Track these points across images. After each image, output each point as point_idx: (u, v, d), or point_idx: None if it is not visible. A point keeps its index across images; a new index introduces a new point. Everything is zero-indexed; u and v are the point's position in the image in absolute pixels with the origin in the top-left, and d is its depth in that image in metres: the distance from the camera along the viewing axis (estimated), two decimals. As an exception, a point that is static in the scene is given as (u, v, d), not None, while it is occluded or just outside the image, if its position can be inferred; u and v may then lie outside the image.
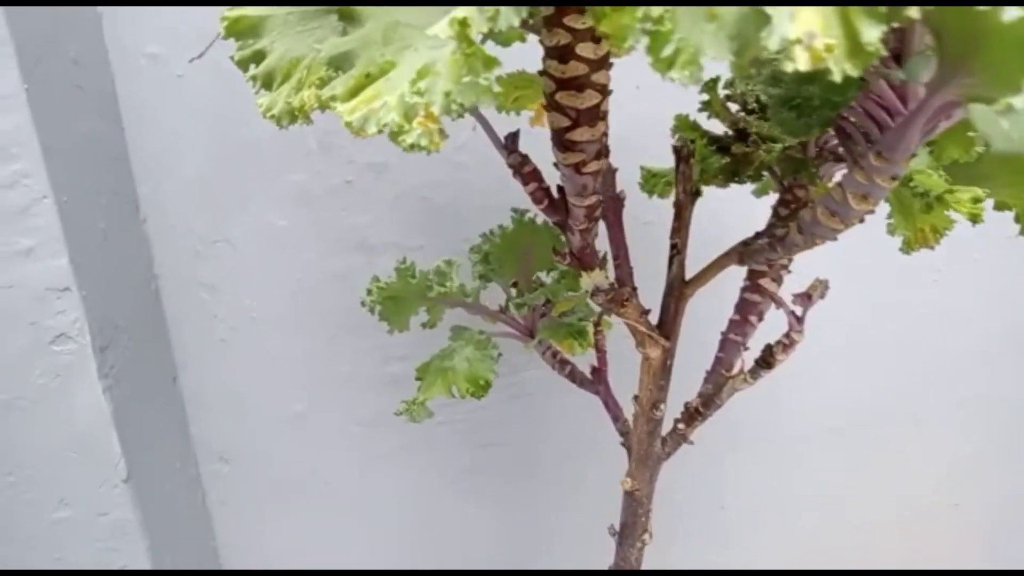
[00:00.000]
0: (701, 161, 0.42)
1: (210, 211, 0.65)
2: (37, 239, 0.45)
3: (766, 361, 0.41)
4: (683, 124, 0.44)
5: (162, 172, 0.63)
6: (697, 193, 0.38)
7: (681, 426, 0.45)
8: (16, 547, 0.52)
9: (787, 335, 0.40)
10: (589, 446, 0.81)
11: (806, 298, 0.39)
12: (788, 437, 0.87)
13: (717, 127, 0.44)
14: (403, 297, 0.53)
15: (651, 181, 0.48)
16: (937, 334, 0.86)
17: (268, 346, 0.71)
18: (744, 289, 0.45)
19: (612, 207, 0.39)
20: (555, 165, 0.31)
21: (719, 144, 0.42)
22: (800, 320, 0.40)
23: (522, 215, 0.50)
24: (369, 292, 0.51)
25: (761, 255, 0.36)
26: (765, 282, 0.44)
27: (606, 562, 0.68)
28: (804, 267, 0.76)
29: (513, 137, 0.34)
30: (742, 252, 0.38)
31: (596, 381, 0.52)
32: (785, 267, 0.44)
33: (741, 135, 0.41)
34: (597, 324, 0.51)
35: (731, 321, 0.45)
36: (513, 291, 0.53)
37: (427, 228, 0.69)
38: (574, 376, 0.54)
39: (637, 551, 0.50)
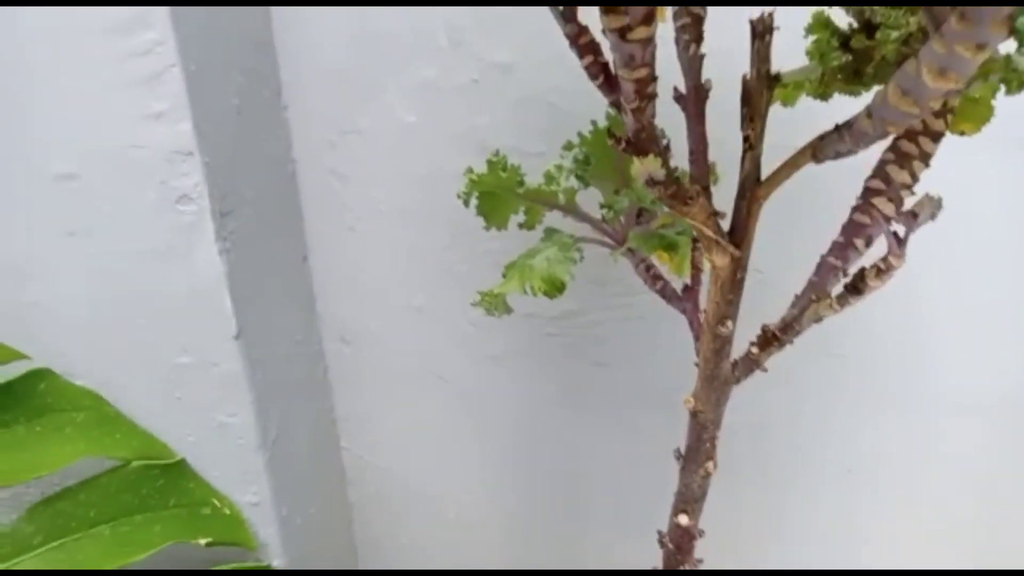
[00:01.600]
0: (820, 57, 0.37)
1: (345, 101, 0.68)
2: (167, 104, 0.49)
3: (856, 287, 0.37)
4: (818, 24, 0.39)
5: (304, 61, 0.66)
6: (777, 78, 0.33)
7: (755, 350, 0.42)
8: (143, 384, 0.59)
9: (884, 259, 0.35)
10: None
11: (911, 217, 0.34)
12: (937, 408, 0.78)
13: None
14: (498, 193, 0.53)
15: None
16: None
17: (392, 238, 0.73)
18: (854, 209, 0.40)
19: (694, 97, 0.35)
20: (602, 32, 0.29)
21: (843, 39, 0.37)
22: (901, 243, 0.35)
23: (618, 112, 0.47)
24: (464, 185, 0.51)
25: (831, 148, 0.32)
26: (879, 201, 0.39)
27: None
28: (974, 217, 0.67)
29: (571, 5, 0.32)
30: (816, 147, 0.33)
31: (685, 299, 0.49)
32: (908, 187, 0.39)
33: (868, 28, 0.36)
34: (696, 240, 0.48)
35: (833, 243, 0.41)
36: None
37: (549, 134, 0.68)
38: (665, 292, 0.51)
39: (700, 479, 0.47)
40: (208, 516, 0.62)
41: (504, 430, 0.83)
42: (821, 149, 0.32)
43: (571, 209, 0.51)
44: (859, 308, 0.75)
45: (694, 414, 0.44)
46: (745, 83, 0.33)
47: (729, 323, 0.39)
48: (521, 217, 0.56)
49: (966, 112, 0.46)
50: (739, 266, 0.37)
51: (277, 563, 0.67)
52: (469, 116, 0.68)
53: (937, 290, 0.74)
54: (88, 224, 0.53)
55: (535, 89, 0.66)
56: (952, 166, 0.66)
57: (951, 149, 0.66)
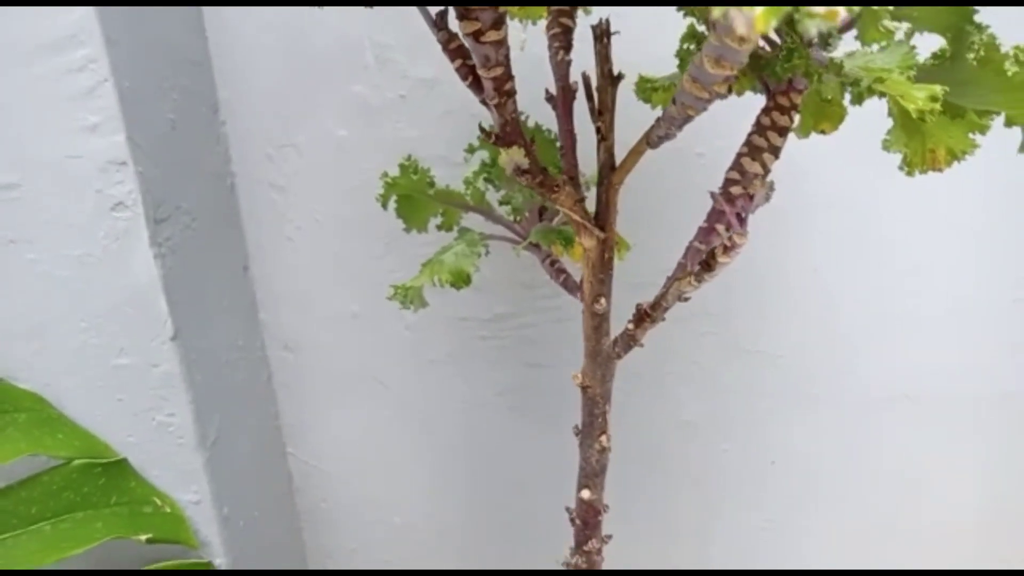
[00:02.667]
0: (680, 63, 0.42)
1: (281, 117, 0.72)
2: (101, 117, 0.53)
3: (708, 264, 0.41)
4: (688, 35, 0.44)
5: (240, 80, 0.70)
6: (619, 77, 0.38)
7: (631, 327, 0.46)
8: (84, 386, 0.62)
9: (729, 237, 0.40)
10: (629, 373, 0.81)
11: (748, 199, 0.39)
12: (857, 401, 0.83)
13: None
14: (414, 196, 0.57)
15: (646, 89, 0.48)
16: (1037, 302, 0.78)
17: (329, 247, 0.77)
18: (715, 198, 0.45)
19: (563, 97, 0.40)
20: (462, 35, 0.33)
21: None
22: (742, 221, 0.39)
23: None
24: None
25: (655, 133, 0.36)
26: (736, 190, 0.43)
27: (632, 485, 0.68)
28: (886, 221, 0.72)
29: (442, 14, 0.36)
30: (647, 134, 0.38)
31: (581, 289, 0.53)
32: (759, 176, 0.43)
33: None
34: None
35: (699, 229, 0.45)
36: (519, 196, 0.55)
37: (474, 145, 0.72)
38: (567, 285, 0.55)
39: (597, 453, 0.51)
40: (149, 514, 0.64)
41: (445, 433, 0.86)
42: (650, 136, 0.37)
43: (481, 209, 0.55)
44: (781, 307, 0.80)
45: (584, 389, 0.48)
46: (587, 81, 0.37)
47: (603, 300, 0.43)
48: (442, 222, 0.60)
49: (823, 112, 0.51)
50: (606, 247, 0.41)
51: (219, 562, 0.69)
52: (398, 129, 0.72)
53: (854, 289, 0.79)
54: (28, 232, 0.56)
55: (459, 102, 0.71)
56: (867, 172, 0.72)
57: (860, 158, 0.72)
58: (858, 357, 0.82)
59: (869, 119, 0.43)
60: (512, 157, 0.36)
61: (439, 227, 0.60)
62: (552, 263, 0.56)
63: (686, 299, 0.46)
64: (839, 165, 0.73)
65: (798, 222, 0.76)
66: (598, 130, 0.39)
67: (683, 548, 0.90)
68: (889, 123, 0.42)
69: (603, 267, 0.41)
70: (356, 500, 0.90)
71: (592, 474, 0.52)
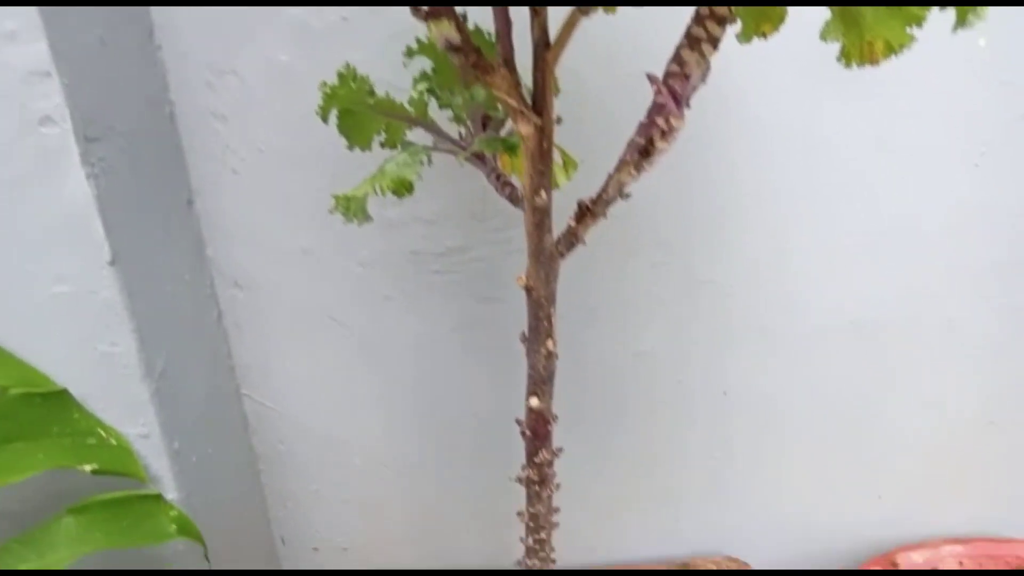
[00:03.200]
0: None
1: (219, 42, 0.70)
2: (17, 23, 0.51)
3: (646, 151, 0.41)
4: None
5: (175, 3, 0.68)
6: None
7: (572, 223, 0.45)
8: (22, 315, 0.60)
9: (665, 120, 0.39)
10: (584, 305, 0.82)
11: (684, 79, 0.38)
12: (807, 331, 0.84)
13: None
14: (355, 111, 0.56)
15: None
16: (978, 229, 0.79)
17: (275, 180, 0.76)
18: (656, 92, 0.44)
19: (495, -17, 0.39)
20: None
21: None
22: (679, 104, 0.39)
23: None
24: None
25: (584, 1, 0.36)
26: (675, 81, 0.43)
27: (586, 415, 0.68)
28: (836, 146, 0.72)
29: None
30: (578, 6, 0.37)
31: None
32: (682, 74, 0.43)
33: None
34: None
35: (640, 124, 0.45)
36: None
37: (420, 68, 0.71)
38: (513, 198, 0.55)
39: (544, 359, 0.51)
40: (94, 446, 0.63)
41: (401, 371, 0.86)
42: (581, 6, 0.36)
43: (424, 123, 0.54)
44: (728, 236, 0.80)
45: (528, 291, 0.48)
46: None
47: (543, 193, 0.43)
48: (386, 138, 0.58)
49: (764, 13, 0.51)
50: (544, 136, 0.40)
51: (171, 496, 0.68)
52: (341, 54, 0.70)
53: (806, 218, 0.79)
54: (-48, 151, 0.54)
55: (403, 25, 0.69)
56: (817, 97, 0.72)
57: (810, 85, 0.71)
58: (808, 287, 0.83)
59: (821, 45, 0.43)
60: (441, 30, 0.35)
61: (383, 144, 0.59)
62: (497, 176, 0.55)
63: (627, 195, 0.45)
64: (788, 91, 0.74)
65: (752, 147, 0.76)
66: (531, 6, 0.38)
67: (636, 475, 0.91)
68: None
69: (542, 157, 0.41)
70: (314, 441, 0.89)
71: (540, 381, 0.52)
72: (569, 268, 0.80)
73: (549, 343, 0.49)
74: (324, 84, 0.53)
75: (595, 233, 0.78)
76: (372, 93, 0.52)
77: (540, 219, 0.43)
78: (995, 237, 0.80)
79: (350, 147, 0.58)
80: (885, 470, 0.91)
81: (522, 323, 0.83)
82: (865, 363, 0.86)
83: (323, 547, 0.96)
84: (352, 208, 0.53)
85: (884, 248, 0.80)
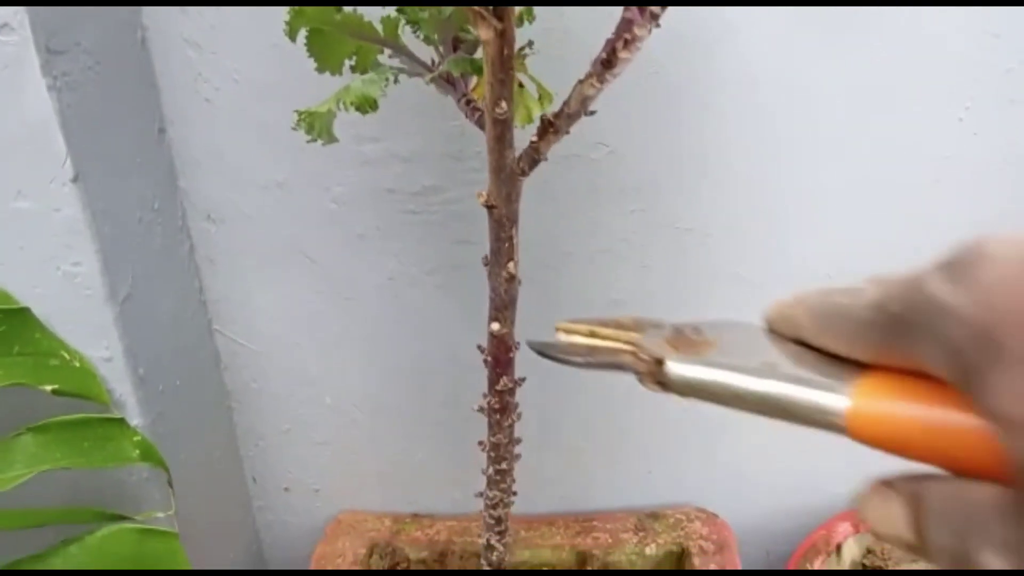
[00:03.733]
0: None
1: (191, -36, 0.68)
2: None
3: (608, 61, 0.40)
4: None
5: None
6: None
7: (535, 139, 0.45)
8: (-17, 227, 0.59)
9: (629, 29, 0.39)
10: (559, 252, 0.81)
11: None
12: (781, 281, 0.84)
13: None
14: (325, 31, 0.55)
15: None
16: (961, 183, 0.78)
17: (249, 110, 0.75)
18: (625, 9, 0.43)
19: None
20: None
21: None
22: (643, 11, 0.38)
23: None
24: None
25: None
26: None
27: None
28: (821, 97, 0.71)
29: None
30: None
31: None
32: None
33: None
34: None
35: (607, 41, 0.44)
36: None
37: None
38: (480, 123, 0.54)
39: (505, 282, 0.51)
40: (56, 367, 0.63)
41: (374, 311, 0.85)
42: None
43: (392, 43, 0.53)
44: (713, 184, 0.79)
45: (489, 210, 0.47)
46: None
47: (504, 103, 0.42)
48: (357, 62, 0.57)
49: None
50: (505, 42, 0.39)
51: (135, 422, 0.68)
52: (317, -20, 0.69)
53: (783, 169, 0.78)
54: (-91, 57, 0.53)
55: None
56: (803, 45, 0.71)
57: (800, 37, 0.70)
58: (789, 237, 0.82)
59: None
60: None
61: (353, 68, 0.58)
62: (468, 102, 0.54)
63: (591, 112, 0.45)
64: (775, 40, 0.72)
65: (734, 94, 0.75)
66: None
67: (605, 423, 0.91)
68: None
69: (503, 65, 0.40)
70: (287, 379, 0.89)
71: (502, 306, 0.51)
72: (545, 211, 0.80)
73: (511, 266, 0.49)
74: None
75: (573, 177, 0.78)
76: (339, 10, 0.51)
77: (501, 132, 0.43)
78: (978, 192, 0.79)
79: (320, 70, 0.57)
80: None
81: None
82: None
83: (294, 487, 0.97)
84: (316, 126, 0.52)
85: (866, 201, 0.80)
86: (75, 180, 0.58)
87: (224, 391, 0.89)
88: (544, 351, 0.33)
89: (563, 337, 0.32)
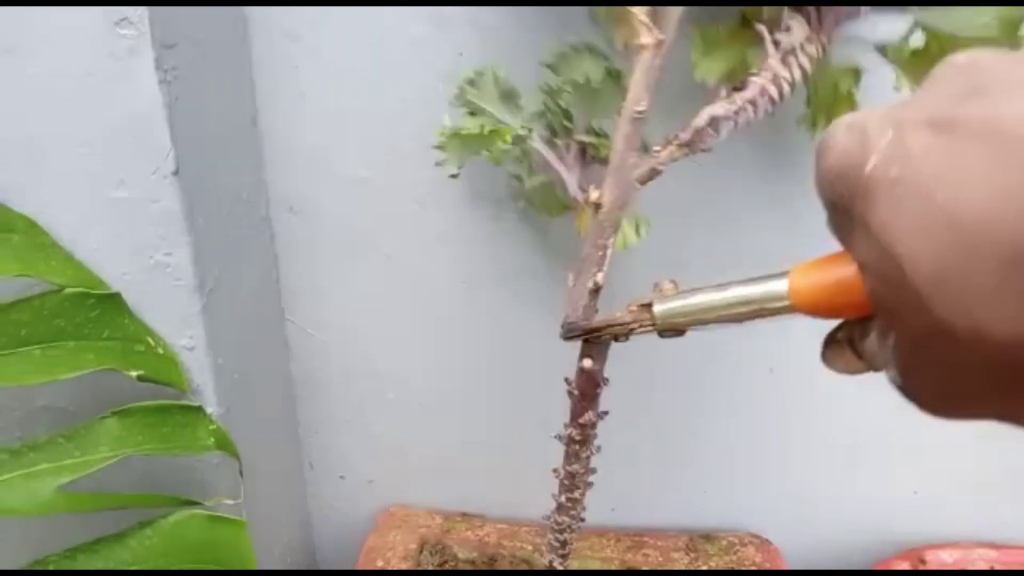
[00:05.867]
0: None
1: (299, -41, 0.68)
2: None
3: (741, 85, 0.38)
4: None
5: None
6: None
7: (658, 148, 0.43)
8: (80, 216, 0.60)
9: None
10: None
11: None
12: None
13: None
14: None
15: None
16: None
17: (340, 105, 0.74)
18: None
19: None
20: None
21: None
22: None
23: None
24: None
25: None
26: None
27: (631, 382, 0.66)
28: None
29: None
30: None
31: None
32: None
33: None
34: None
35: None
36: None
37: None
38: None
39: (589, 294, 0.49)
40: (141, 352, 0.64)
41: (447, 313, 0.85)
42: None
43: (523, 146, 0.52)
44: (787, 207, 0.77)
45: (595, 209, 0.46)
46: None
47: (643, 103, 0.41)
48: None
49: None
50: (658, 52, 0.38)
51: (211, 410, 0.69)
52: (424, -19, 0.68)
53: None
54: (27, 42, 0.54)
55: None
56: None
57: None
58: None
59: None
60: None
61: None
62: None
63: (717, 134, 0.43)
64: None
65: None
66: None
67: (667, 443, 0.90)
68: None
69: (652, 72, 0.39)
70: (351, 371, 0.90)
71: (577, 329, 0.50)
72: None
73: (599, 276, 0.47)
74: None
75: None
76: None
77: (631, 131, 0.41)
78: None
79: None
80: (925, 465, 0.89)
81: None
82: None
83: (350, 476, 0.97)
84: (450, 147, 0.51)
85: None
86: (176, 173, 0.58)
87: (290, 379, 0.90)
88: (571, 333, 0.43)
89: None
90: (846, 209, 0.25)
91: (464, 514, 0.98)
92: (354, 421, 0.93)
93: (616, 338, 0.41)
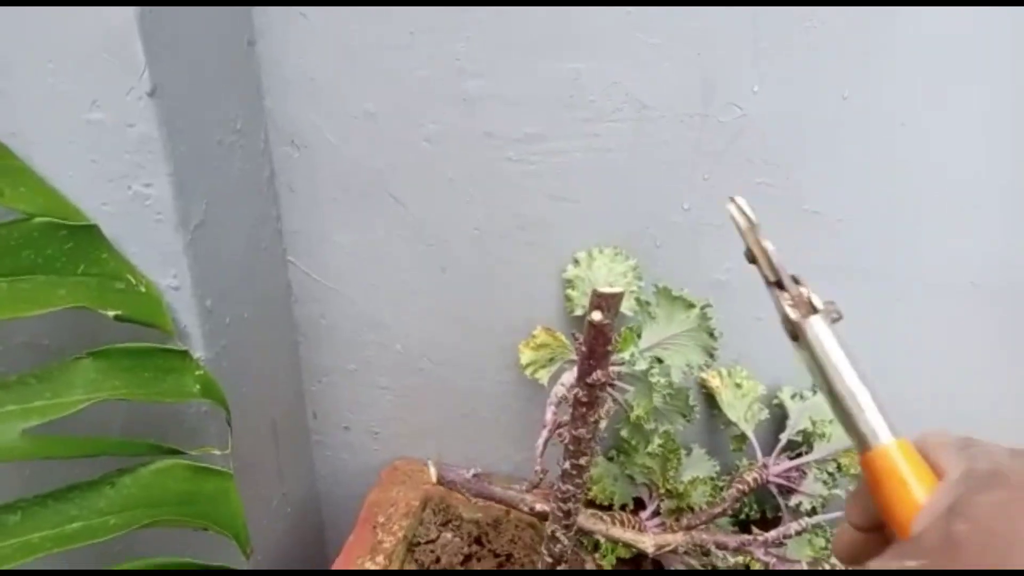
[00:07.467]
0: None
1: None
2: None
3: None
4: None
5: None
6: None
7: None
8: (54, 140, 0.55)
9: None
10: (655, 219, 0.73)
11: None
12: (911, 283, 0.74)
13: None
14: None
15: None
16: None
17: (346, 31, 0.68)
18: None
19: None
20: None
21: None
22: None
23: None
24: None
25: None
26: None
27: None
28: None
29: None
30: None
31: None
32: None
33: None
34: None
35: None
36: None
37: None
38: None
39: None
40: (121, 290, 0.59)
41: (457, 262, 0.79)
42: None
43: None
44: (844, 168, 0.69)
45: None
46: None
47: None
48: None
49: None
50: None
51: (198, 354, 0.65)
52: None
53: (930, 160, 0.68)
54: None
55: None
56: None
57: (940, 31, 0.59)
58: (927, 236, 0.72)
59: None
60: None
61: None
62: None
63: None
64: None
65: (888, 66, 0.64)
66: None
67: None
68: None
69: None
70: (357, 320, 0.85)
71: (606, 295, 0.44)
72: (663, 174, 0.71)
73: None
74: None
75: (693, 135, 0.69)
76: None
77: None
78: None
79: None
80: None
81: (594, 229, 0.75)
82: (978, 331, 0.76)
83: (354, 427, 0.94)
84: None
85: (1012, 209, 0.69)
86: (152, 94, 0.53)
87: (292, 324, 0.85)
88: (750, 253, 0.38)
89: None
90: None
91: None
92: (360, 372, 0.89)
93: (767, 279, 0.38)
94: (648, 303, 0.72)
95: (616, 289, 0.46)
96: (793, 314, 0.37)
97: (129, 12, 0.50)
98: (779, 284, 0.39)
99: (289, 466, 0.90)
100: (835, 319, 0.37)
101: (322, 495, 1.00)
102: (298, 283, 0.83)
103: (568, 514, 0.61)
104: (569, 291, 0.75)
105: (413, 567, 0.78)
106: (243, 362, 0.73)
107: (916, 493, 0.30)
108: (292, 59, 0.69)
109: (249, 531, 0.61)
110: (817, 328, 0.36)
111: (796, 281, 0.39)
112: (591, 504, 0.87)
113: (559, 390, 0.66)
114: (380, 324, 0.85)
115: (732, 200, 0.38)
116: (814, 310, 0.37)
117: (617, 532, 0.68)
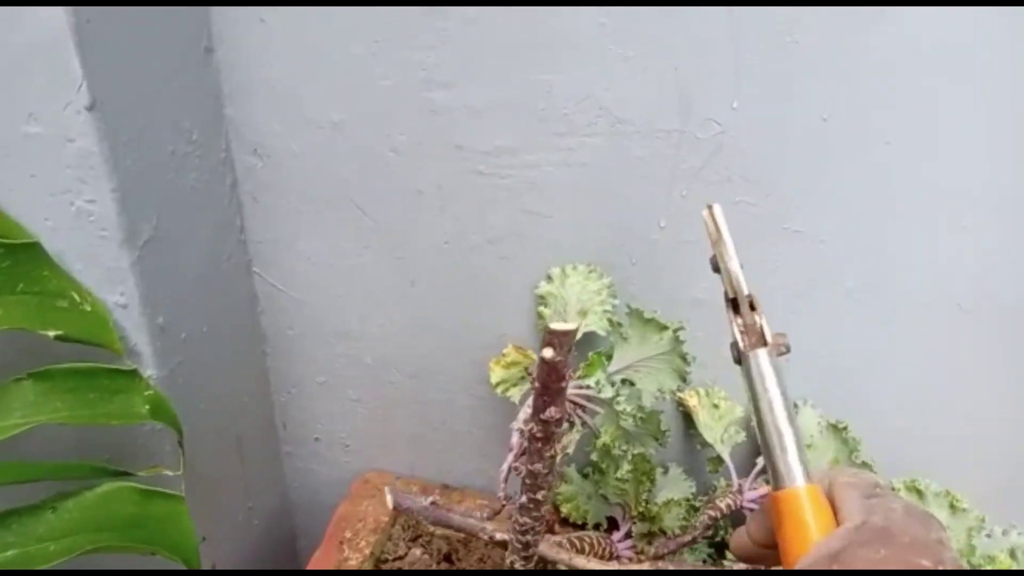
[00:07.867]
0: None
1: None
2: None
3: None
4: None
5: None
6: None
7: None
8: (-8, 150, 0.52)
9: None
10: (631, 236, 0.70)
11: None
12: (894, 302, 0.71)
13: None
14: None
15: None
16: None
17: (308, 37, 0.65)
18: None
19: None
20: None
21: None
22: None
23: None
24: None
25: None
26: None
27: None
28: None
29: None
30: None
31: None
32: None
33: None
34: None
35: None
36: None
37: None
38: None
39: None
40: (64, 308, 0.57)
41: (425, 275, 0.77)
42: None
43: None
44: (826, 186, 0.67)
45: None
46: None
47: None
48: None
49: None
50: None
51: (149, 373, 0.63)
52: None
53: (914, 178, 0.65)
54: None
55: None
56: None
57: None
58: (910, 255, 0.69)
59: None
60: None
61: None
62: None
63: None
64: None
65: (863, 91, 0.61)
66: None
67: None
68: None
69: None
70: (326, 331, 0.83)
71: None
72: (639, 190, 0.68)
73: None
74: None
75: (676, 156, 0.66)
76: None
77: None
78: None
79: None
80: (962, 475, 0.80)
81: (567, 245, 0.72)
82: (963, 353, 0.73)
83: (324, 439, 0.92)
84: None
85: (1012, 226, 0.66)
86: (91, 108, 0.50)
87: (259, 335, 0.83)
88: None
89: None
90: None
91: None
92: (329, 383, 0.87)
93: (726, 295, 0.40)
94: (620, 324, 0.70)
95: (569, 325, 0.43)
96: (741, 343, 0.38)
97: (61, 17, 0.47)
98: (735, 304, 0.40)
99: (256, 479, 0.88)
100: (782, 352, 0.38)
101: (294, 506, 0.98)
102: (265, 294, 0.81)
103: (527, 546, 0.59)
104: (541, 308, 0.72)
105: (376, 589, 0.76)
106: (202, 378, 0.70)
107: (812, 535, 0.33)
108: (253, 66, 0.67)
109: (213, 545, 0.59)
110: (761, 362, 0.37)
111: (752, 307, 0.39)
112: (565, 522, 0.85)
113: (524, 414, 0.63)
114: (349, 336, 0.82)
115: (709, 207, 0.40)
116: (763, 342, 0.38)
117: (580, 562, 0.65)
